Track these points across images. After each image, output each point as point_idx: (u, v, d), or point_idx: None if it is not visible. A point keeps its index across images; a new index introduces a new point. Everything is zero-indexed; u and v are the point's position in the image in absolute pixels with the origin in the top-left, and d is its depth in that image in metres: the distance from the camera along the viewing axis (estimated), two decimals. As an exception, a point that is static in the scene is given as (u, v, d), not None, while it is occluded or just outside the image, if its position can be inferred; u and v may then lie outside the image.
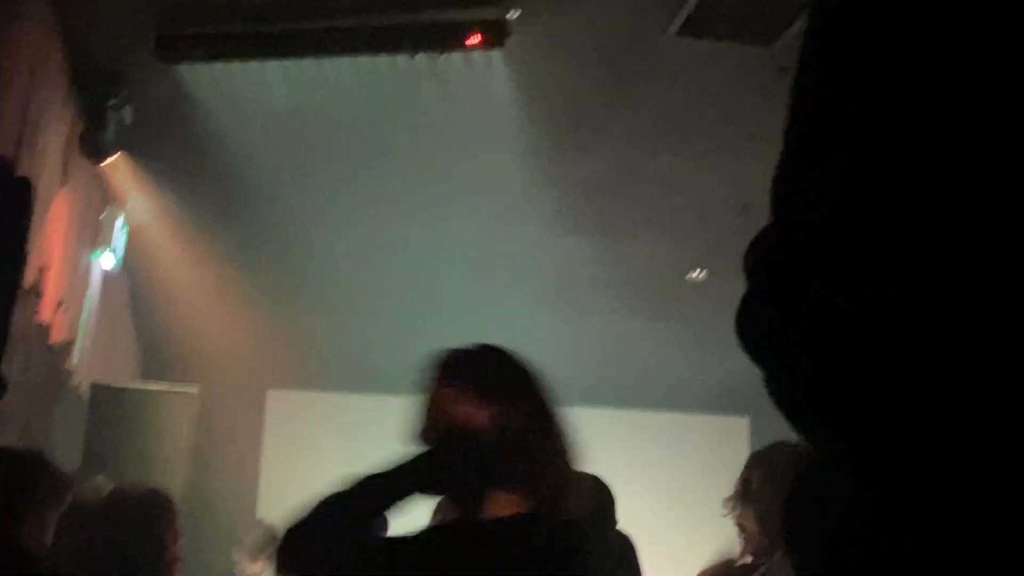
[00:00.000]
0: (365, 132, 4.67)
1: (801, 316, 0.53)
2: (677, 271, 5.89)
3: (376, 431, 8.02)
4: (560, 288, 6.19)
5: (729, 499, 3.07)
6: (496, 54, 4.04)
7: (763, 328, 0.56)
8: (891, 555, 0.55)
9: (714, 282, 5.84)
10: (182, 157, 4.88)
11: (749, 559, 3.21)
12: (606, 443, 8.04)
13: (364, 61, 4.16)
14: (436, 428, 1.93)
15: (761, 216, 0.60)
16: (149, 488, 3.36)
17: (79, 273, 4.78)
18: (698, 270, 5.87)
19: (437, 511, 2.84)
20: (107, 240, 5.13)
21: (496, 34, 3.93)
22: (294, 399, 7.93)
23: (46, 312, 4.24)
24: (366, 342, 7.12)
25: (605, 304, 6.40)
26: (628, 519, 3.40)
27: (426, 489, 1.91)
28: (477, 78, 4.23)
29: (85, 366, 5.17)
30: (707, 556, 2.98)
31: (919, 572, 0.51)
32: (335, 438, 7.75)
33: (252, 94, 4.42)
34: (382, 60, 4.14)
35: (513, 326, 6.90)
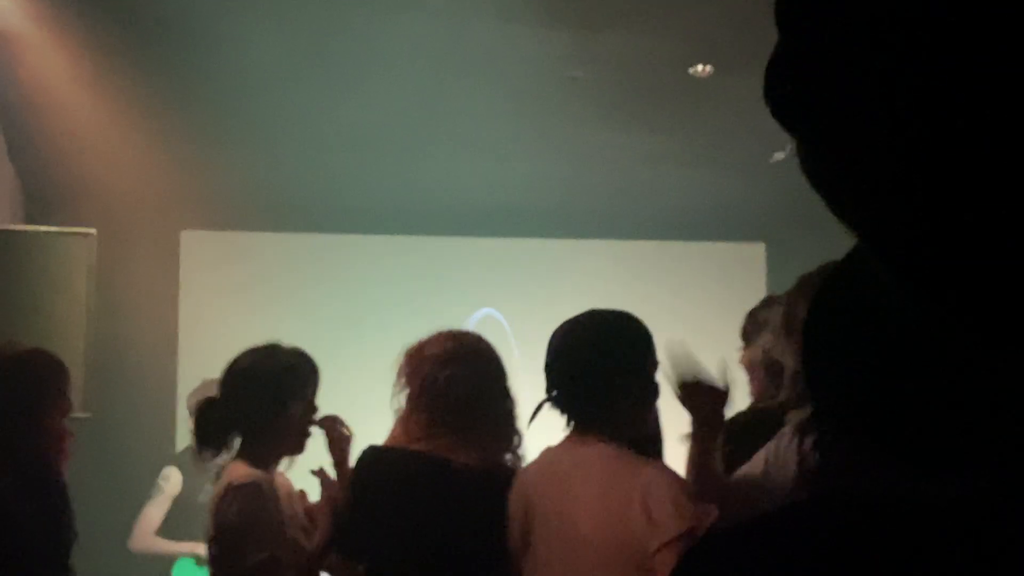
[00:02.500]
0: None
1: (844, 73, 0.53)
2: (676, 67, 5.81)
3: (302, 270, 8.14)
4: (531, 97, 6.08)
5: (761, 332, 3.12)
6: None
7: (793, 83, 0.56)
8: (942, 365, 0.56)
9: (721, 78, 5.77)
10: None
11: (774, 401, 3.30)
12: (606, 279, 8.16)
13: None
14: None
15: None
16: (26, 348, 3.34)
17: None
18: (702, 64, 5.80)
19: None
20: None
21: None
22: (211, 240, 7.96)
23: None
24: (290, 176, 7.09)
25: (588, 113, 6.32)
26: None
27: None
28: None
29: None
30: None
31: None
32: (258, 280, 7.87)
33: None
34: None
35: (473, 150, 6.88)
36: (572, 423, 2.96)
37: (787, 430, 2.91)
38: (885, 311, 0.60)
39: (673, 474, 2.81)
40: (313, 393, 3.58)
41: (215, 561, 3.47)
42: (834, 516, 0.88)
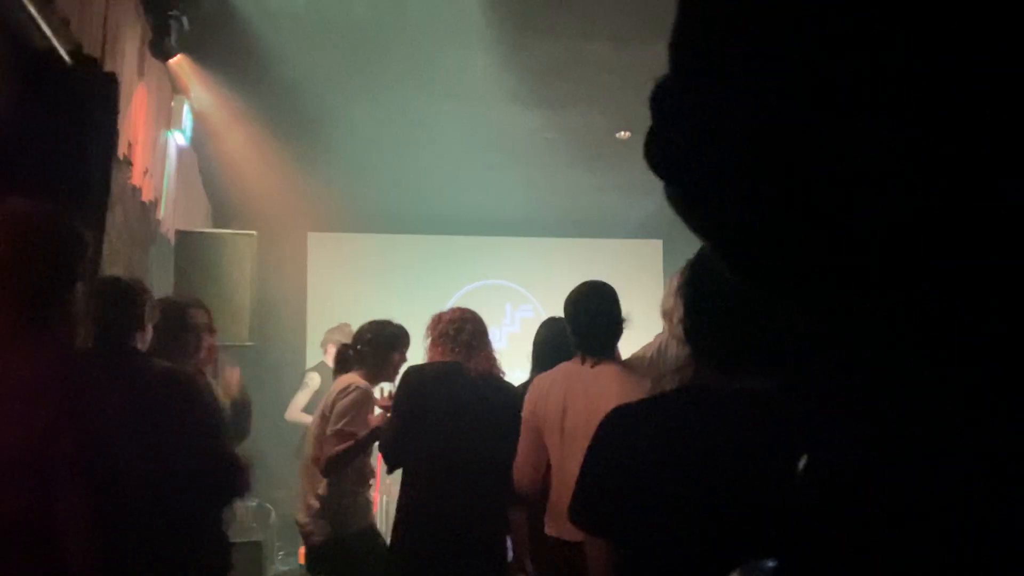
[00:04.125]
0: (368, 33, 4.49)
1: (680, 143, 0.54)
2: (608, 133, 5.82)
3: (392, 263, 8.10)
4: (519, 152, 6.09)
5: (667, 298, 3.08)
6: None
7: (658, 151, 0.57)
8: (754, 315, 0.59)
9: (636, 139, 5.75)
10: (231, 54, 4.69)
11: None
12: (554, 266, 8.02)
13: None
14: None
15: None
16: (186, 297, 3.38)
17: (159, 148, 4.64)
18: (624, 131, 5.80)
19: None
20: (178, 122, 4.93)
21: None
22: (328, 239, 7.95)
23: (137, 177, 4.15)
24: (382, 193, 7.08)
25: (554, 162, 6.31)
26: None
27: None
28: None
29: (170, 217, 5.09)
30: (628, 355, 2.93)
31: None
32: (362, 269, 7.82)
33: (279, 5, 4.24)
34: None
35: (485, 182, 6.89)
36: (588, 355, 2.77)
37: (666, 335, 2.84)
38: (723, 284, 0.61)
39: None
40: (406, 350, 3.72)
41: (324, 422, 3.55)
42: (686, 398, 1.19)
